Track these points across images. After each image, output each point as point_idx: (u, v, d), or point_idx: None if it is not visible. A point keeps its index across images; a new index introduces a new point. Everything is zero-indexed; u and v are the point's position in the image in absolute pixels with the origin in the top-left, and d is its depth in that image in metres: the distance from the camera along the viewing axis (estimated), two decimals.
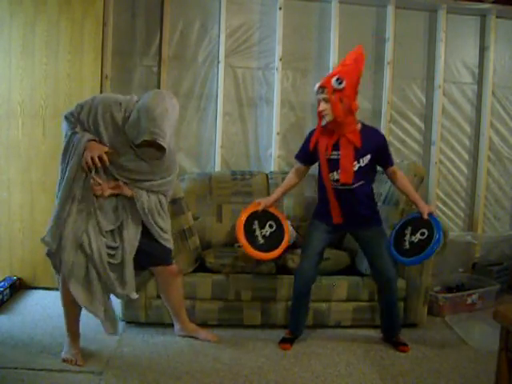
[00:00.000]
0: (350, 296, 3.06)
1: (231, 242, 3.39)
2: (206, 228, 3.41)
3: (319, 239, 2.82)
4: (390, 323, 2.88)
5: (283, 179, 3.58)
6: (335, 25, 3.83)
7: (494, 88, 4.08)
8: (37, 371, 2.39)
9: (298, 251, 3.15)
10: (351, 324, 3.09)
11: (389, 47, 3.91)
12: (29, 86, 3.40)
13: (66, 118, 2.52)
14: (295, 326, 2.87)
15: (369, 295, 3.07)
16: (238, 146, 3.90)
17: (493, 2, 3.94)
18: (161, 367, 2.52)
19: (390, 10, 3.88)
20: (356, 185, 2.70)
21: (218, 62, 3.79)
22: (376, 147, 2.71)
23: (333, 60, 3.84)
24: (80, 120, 2.48)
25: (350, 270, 3.16)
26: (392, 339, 2.89)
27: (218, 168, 3.81)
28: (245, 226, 2.83)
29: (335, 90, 2.57)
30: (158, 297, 2.93)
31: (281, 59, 3.82)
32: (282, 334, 2.95)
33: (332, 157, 2.70)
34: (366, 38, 3.96)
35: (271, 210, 2.92)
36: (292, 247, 3.30)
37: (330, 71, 3.59)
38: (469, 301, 3.44)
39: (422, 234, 2.69)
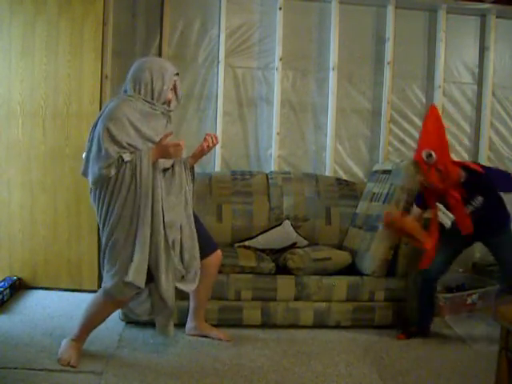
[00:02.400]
0: (350, 296, 3.06)
1: (231, 241, 3.40)
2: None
3: (451, 244, 2.95)
4: None
5: (283, 179, 3.62)
6: (335, 25, 3.83)
7: (494, 88, 4.08)
8: (37, 371, 2.38)
9: (298, 251, 3.15)
10: (351, 324, 3.09)
11: (389, 47, 3.91)
12: (29, 86, 3.40)
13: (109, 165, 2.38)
14: (424, 323, 3.00)
15: (369, 295, 3.08)
16: (238, 146, 3.90)
17: (493, 2, 3.94)
18: (161, 367, 2.51)
19: (390, 10, 3.88)
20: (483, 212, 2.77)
21: (218, 62, 3.79)
22: (480, 190, 2.76)
23: (333, 60, 3.84)
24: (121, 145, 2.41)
25: (350, 270, 3.16)
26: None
27: (218, 168, 3.81)
28: None
29: (429, 166, 2.66)
30: None
31: (281, 59, 3.82)
32: (282, 334, 2.95)
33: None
34: (366, 38, 3.96)
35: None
36: (292, 247, 3.30)
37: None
38: (469, 301, 3.44)
39: None
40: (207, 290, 2.83)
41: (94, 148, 2.40)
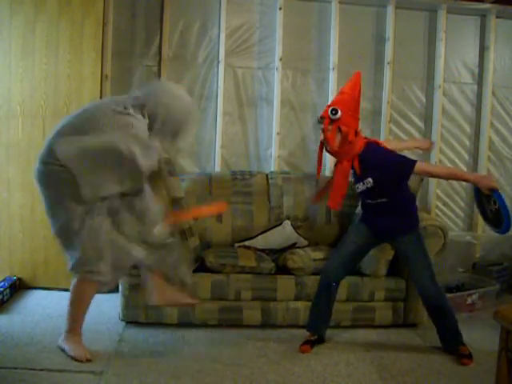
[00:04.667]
0: (350, 296, 3.06)
1: (231, 241, 3.40)
2: (206, 228, 3.41)
3: (352, 240, 2.85)
4: (448, 331, 2.80)
5: (283, 179, 3.61)
6: (335, 25, 3.83)
7: (494, 88, 4.08)
8: (37, 371, 2.38)
9: (298, 251, 3.16)
10: (351, 324, 3.09)
11: (389, 47, 3.91)
12: (29, 86, 3.40)
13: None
14: (313, 326, 2.85)
15: (369, 295, 3.08)
16: (238, 146, 3.90)
17: (493, 2, 3.94)
18: (161, 367, 2.52)
19: (390, 9, 3.88)
20: (378, 201, 2.73)
21: (218, 62, 3.79)
22: (376, 170, 2.66)
23: (333, 60, 3.84)
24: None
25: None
26: (454, 351, 2.77)
27: (218, 168, 3.81)
28: None
29: (332, 121, 2.62)
30: None
31: (281, 59, 3.82)
32: (282, 334, 2.95)
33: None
34: (366, 38, 3.96)
35: None
36: (292, 247, 3.31)
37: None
38: (469, 301, 3.44)
39: (494, 202, 2.65)
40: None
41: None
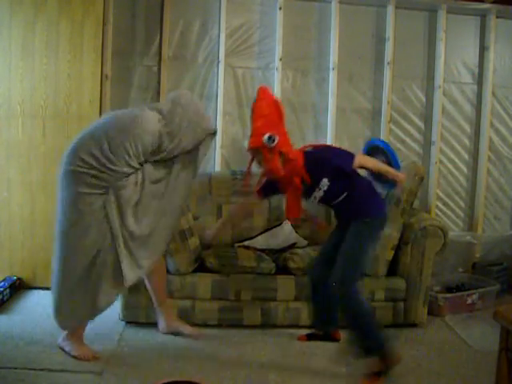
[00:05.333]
0: None
1: (231, 241, 3.40)
2: (206, 228, 3.40)
3: (328, 241, 2.83)
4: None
5: None
6: (335, 25, 3.83)
7: (494, 88, 4.08)
8: (37, 371, 2.39)
9: (298, 251, 3.16)
10: None
11: (389, 47, 3.90)
12: (29, 86, 3.39)
13: None
14: (316, 323, 2.90)
15: (369, 295, 3.07)
16: (238, 146, 3.90)
17: (493, 2, 3.94)
18: (161, 367, 2.52)
19: (390, 9, 3.87)
20: (340, 198, 2.59)
21: (218, 62, 3.79)
22: (324, 172, 2.53)
23: (333, 60, 3.84)
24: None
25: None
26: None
27: (218, 168, 3.81)
28: None
29: (271, 150, 2.40)
30: None
31: (281, 59, 3.82)
32: (282, 333, 2.95)
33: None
34: (366, 38, 3.96)
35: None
36: (291, 247, 3.31)
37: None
38: (469, 301, 3.44)
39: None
40: (160, 279, 2.83)
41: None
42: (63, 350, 2.57)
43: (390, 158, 2.68)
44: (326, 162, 2.54)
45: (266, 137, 2.38)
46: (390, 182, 2.66)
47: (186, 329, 2.87)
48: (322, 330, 2.88)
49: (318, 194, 2.56)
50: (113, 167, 2.42)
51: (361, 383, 2.44)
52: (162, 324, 2.89)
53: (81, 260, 2.44)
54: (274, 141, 2.38)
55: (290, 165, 2.47)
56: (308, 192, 2.57)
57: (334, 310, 2.79)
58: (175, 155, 2.57)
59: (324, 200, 2.61)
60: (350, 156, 2.56)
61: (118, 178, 2.44)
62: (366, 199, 2.64)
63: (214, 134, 2.74)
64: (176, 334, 2.87)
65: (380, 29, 3.94)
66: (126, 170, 2.45)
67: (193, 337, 2.84)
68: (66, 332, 2.59)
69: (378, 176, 2.68)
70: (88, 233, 2.43)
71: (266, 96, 2.51)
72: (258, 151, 2.45)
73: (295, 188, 2.54)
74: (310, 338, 2.88)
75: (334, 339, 2.87)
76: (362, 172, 2.69)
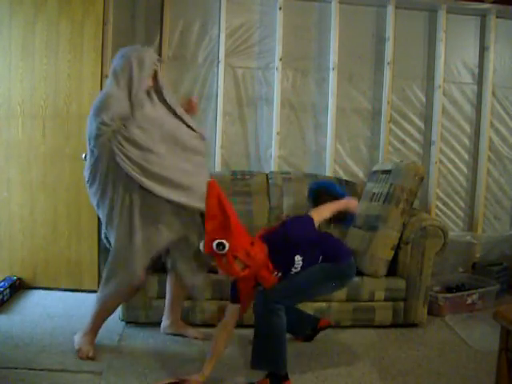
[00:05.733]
0: (350, 296, 3.06)
1: None
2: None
3: None
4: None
5: (283, 179, 3.61)
6: (335, 25, 3.83)
7: (494, 88, 4.08)
8: (37, 371, 2.39)
9: None
10: (351, 324, 3.09)
11: (389, 47, 3.90)
12: (29, 86, 3.40)
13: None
14: (296, 331, 2.85)
15: (369, 295, 3.07)
16: (238, 146, 3.90)
17: (493, 2, 3.94)
18: (161, 367, 2.52)
19: (390, 9, 3.87)
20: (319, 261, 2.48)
21: (218, 62, 3.79)
22: (292, 250, 2.39)
23: (333, 60, 3.84)
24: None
25: None
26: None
27: (218, 168, 3.81)
28: None
29: (224, 256, 2.21)
30: (158, 297, 2.94)
31: (281, 59, 3.82)
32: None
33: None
34: (366, 38, 3.96)
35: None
36: None
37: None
38: (469, 301, 3.44)
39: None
40: (182, 285, 2.81)
41: None
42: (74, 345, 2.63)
43: (331, 191, 2.69)
44: (289, 241, 2.38)
45: (214, 245, 2.18)
46: (348, 217, 2.65)
47: (189, 332, 2.88)
48: (306, 333, 2.87)
49: (297, 270, 2.40)
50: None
51: None
52: (166, 323, 2.90)
53: None
54: (223, 248, 2.18)
55: (251, 261, 2.25)
56: (285, 274, 2.40)
57: (301, 312, 2.82)
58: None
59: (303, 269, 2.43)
60: (309, 222, 2.44)
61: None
62: (338, 251, 2.57)
63: (160, 60, 2.73)
64: (177, 335, 2.87)
65: (380, 29, 3.94)
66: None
67: (198, 339, 2.84)
68: (83, 328, 2.65)
69: (337, 217, 2.62)
70: None
71: (214, 193, 2.28)
72: (211, 257, 2.27)
73: (266, 280, 2.35)
74: (306, 339, 2.87)
75: (325, 327, 2.87)
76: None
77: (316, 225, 2.46)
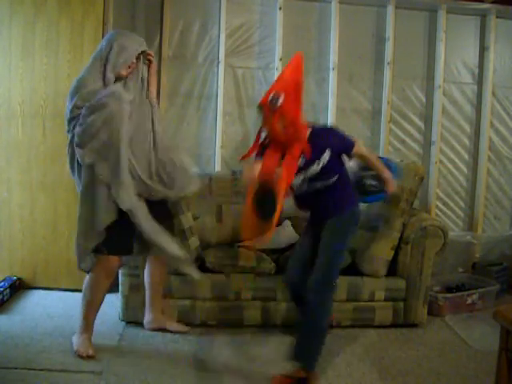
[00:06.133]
0: (350, 296, 3.06)
1: (231, 241, 3.39)
2: (206, 228, 3.40)
3: (302, 244, 2.72)
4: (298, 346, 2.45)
5: None
6: (335, 25, 3.83)
7: (494, 88, 4.08)
8: (37, 371, 2.39)
9: None
10: (351, 324, 3.09)
11: (389, 47, 3.90)
12: (29, 86, 3.39)
13: None
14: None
15: (369, 295, 3.08)
16: (238, 146, 3.90)
17: (493, 2, 3.94)
18: (161, 367, 2.52)
19: (390, 9, 3.87)
20: (326, 183, 2.51)
21: (218, 62, 3.79)
22: (327, 147, 2.46)
23: (333, 60, 3.84)
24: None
25: (350, 269, 3.16)
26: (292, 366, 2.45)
27: (218, 168, 3.81)
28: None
29: (272, 110, 2.35)
30: None
31: (281, 59, 3.81)
32: (282, 334, 2.94)
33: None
34: (366, 38, 3.96)
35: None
36: (292, 247, 3.30)
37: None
38: (469, 301, 3.44)
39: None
40: (160, 275, 2.86)
41: None
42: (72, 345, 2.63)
43: (386, 162, 2.71)
44: (330, 136, 2.53)
45: (271, 95, 2.35)
46: (379, 190, 2.65)
47: (172, 325, 2.90)
48: None
49: (315, 169, 2.45)
50: None
51: (273, 378, 2.42)
52: (148, 319, 2.90)
53: None
54: (276, 101, 2.33)
55: (291, 130, 2.39)
56: (305, 166, 2.46)
57: None
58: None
59: (313, 181, 2.48)
60: (351, 140, 2.55)
61: None
62: (345, 192, 2.59)
63: (144, 52, 2.66)
64: (162, 330, 2.88)
65: (380, 29, 3.94)
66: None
67: (180, 333, 2.87)
68: (78, 329, 2.65)
69: (371, 185, 2.66)
70: None
71: (295, 63, 2.47)
72: (261, 109, 2.42)
73: (294, 159, 2.42)
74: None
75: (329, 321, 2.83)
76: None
77: (355, 151, 2.53)
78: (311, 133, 2.48)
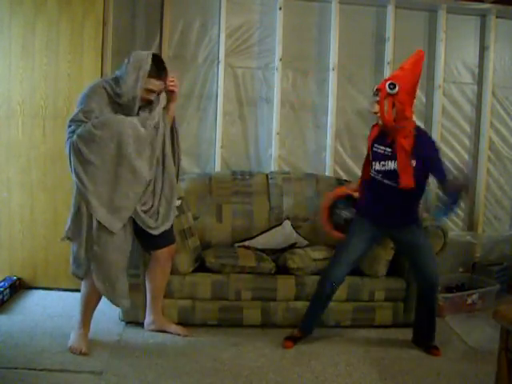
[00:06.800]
0: (350, 296, 3.06)
1: (231, 241, 3.40)
2: (206, 228, 3.41)
3: (355, 244, 2.79)
4: (428, 328, 2.87)
5: (283, 179, 3.61)
6: (335, 25, 3.83)
7: (494, 88, 4.08)
8: (37, 371, 2.39)
9: (298, 251, 3.15)
10: (351, 324, 3.09)
11: (389, 47, 3.90)
12: (29, 86, 3.39)
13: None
14: (308, 327, 2.87)
15: (369, 295, 3.08)
16: (237, 146, 3.90)
17: (493, 2, 3.94)
18: (161, 367, 2.52)
19: (390, 9, 3.87)
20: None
21: (218, 62, 3.79)
22: (424, 157, 2.62)
23: (333, 60, 3.84)
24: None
25: (350, 270, 3.15)
26: (425, 344, 2.86)
27: (218, 168, 3.81)
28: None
29: (388, 95, 2.56)
30: None
31: (281, 59, 3.82)
32: (282, 333, 2.94)
33: (378, 150, 2.72)
34: (366, 38, 3.96)
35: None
36: (291, 247, 3.30)
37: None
38: (469, 301, 3.44)
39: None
40: (161, 280, 2.86)
41: None
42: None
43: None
44: (433, 147, 2.68)
45: (388, 82, 2.56)
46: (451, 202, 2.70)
47: (172, 328, 2.90)
48: (307, 333, 2.88)
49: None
50: None
51: (432, 353, 2.79)
52: (148, 321, 2.91)
53: None
54: (393, 88, 2.53)
55: (402, 121, 2.58)
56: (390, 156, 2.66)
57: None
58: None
59: (388, 173, 2.68)
60: (445, 173, 2.62)
61: None
62: (418, 206, 2.85)
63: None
64: (162, 331, 2.88)
65: (380, 29, 3.94)
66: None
67: (181, 335, 2.87)
68: (76, 324, 2.68)
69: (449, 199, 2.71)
70: None
71: (417, 59, 2.65)
72: (378, 93, 2.60)
73: (405, 148, 2.59)
74: (295, 342, 2.86)
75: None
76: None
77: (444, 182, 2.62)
78: (418, 131, 2.67)
